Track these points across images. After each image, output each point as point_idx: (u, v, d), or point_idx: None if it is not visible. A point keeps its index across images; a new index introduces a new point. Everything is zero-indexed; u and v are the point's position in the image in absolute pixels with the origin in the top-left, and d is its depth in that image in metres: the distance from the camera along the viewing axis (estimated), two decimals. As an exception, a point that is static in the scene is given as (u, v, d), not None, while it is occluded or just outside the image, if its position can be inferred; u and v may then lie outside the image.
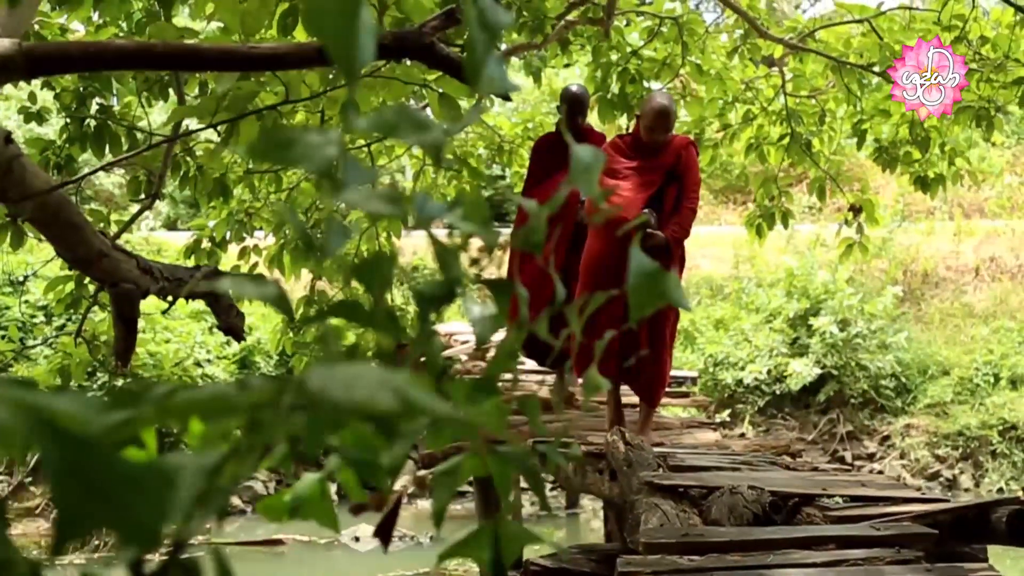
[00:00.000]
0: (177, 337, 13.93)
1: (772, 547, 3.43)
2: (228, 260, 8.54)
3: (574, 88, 6.60)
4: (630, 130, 6.18)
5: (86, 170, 5.65)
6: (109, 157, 5.56)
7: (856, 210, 8.10)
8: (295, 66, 3.51)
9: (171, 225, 19.88)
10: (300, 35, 4.52)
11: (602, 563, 3.33)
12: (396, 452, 0.73)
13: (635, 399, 5.90)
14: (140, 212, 6.51)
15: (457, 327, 11.51)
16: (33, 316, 13.55)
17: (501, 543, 0.88)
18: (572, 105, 6.37)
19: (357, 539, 12.22)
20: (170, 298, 5.15)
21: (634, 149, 5.69)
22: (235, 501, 13.59)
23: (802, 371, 14.48)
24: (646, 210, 5.49)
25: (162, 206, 19.55)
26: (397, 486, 14.28)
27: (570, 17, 7.41)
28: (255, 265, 8.06)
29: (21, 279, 13.67)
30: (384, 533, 1.00)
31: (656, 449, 4.64)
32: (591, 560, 3.51)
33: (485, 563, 0.88)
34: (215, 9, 4.16)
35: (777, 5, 23.86)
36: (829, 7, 8.00)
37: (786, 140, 8.24)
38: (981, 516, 3.93)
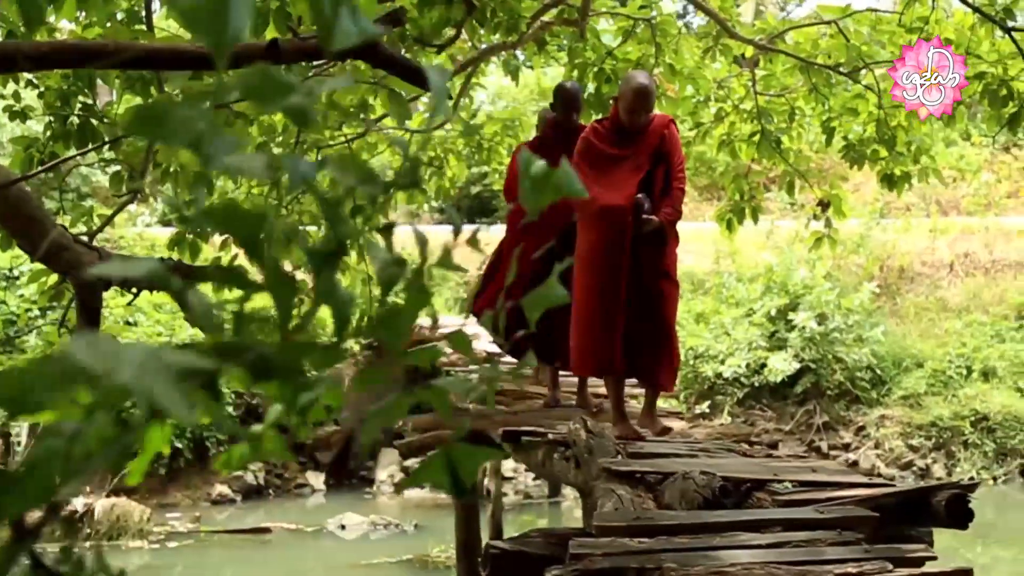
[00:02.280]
0: (150, 326, 14.18)
1: (720, 530, 3.61)
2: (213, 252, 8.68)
3: (569, 85, 6.56)
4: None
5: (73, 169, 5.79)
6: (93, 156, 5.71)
7: (824, 205, 8.31)
8: (248, 63, 3.57)
9: (167, 222, 19.97)
10: (271, 34, 4.65)
11: (560, 546, 3.51)
12: (310, 397, 0.77)
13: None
14: (121, 207, 6.66)
15: (440, 320, 11.65)
16: (28, 310, 13.72)
17: (457, 464, 0.90)
18: (568, 102, 6.30)
19: (343, 527, 12.43)
20: (134, 290, 5.31)
21: (616, 133, 5.47)
22: (225, 490, 13.77)
23: (780, 364, 14.73)
24: (639, 195, 5.33)
25: (157, 203, 19.62)
26: (383, 476, 14.23)
27: (545, 18, 7.58)
28: (236, 256, 8.18)
29: (15, 275, 13.86)
30: (336, 471, 1.09)
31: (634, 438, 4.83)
32: (550, 543, 3.69)
33: (445, 486, 0.92)
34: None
35: (764, 7, 24.06)
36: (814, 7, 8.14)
37: (757, 137, 8.44)
38: (922, 500, 4.11)
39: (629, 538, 3.43)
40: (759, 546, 3.52)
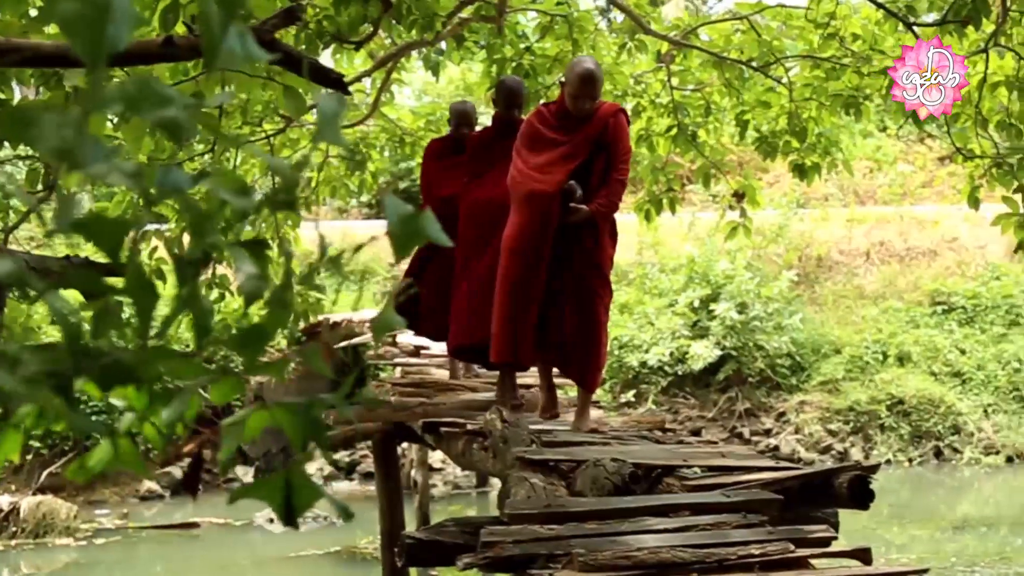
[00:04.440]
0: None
1: (629, 515, 3.71)
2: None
3: (510, 80, 6.52)
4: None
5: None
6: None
7: (739, 196, 8.50)
8: (140, 62, 3.52)
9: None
10: (181, 29, 4.63)
11: (474, 534, 3.57)
12: (174, 410, 0.80)
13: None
14: (37, 204, 6.57)
15: (370, 314, 11.68)
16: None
17: (293, 491, 0.92)
18: (509, 97, 6.19)
19: (272, 520, 12.42)
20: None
21: (559, 118, 5.29)
22: (153, 486, 13.67)
23: (703, 352, 15.00)
24: (570, 182, 5.16)
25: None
26: (311, 470, 14.18)
27: (464, 14, 7.64)
28: (155, 249, 8.05)
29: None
30: (190, 484, 1.12)
31: (533, 427, 4.91)
32: (465, 532, 3.75)
33: (277, 507, 0.95)
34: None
35: (690, 3, 24.32)
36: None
37: (673, 131, 8.60)
38: (826, 482, 4.25)
39: (540, 525, 3.51)
40: (666, 530, 3.61)
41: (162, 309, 0.80)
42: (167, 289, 0.86)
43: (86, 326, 0.76)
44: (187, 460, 13.26)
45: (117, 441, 0.89)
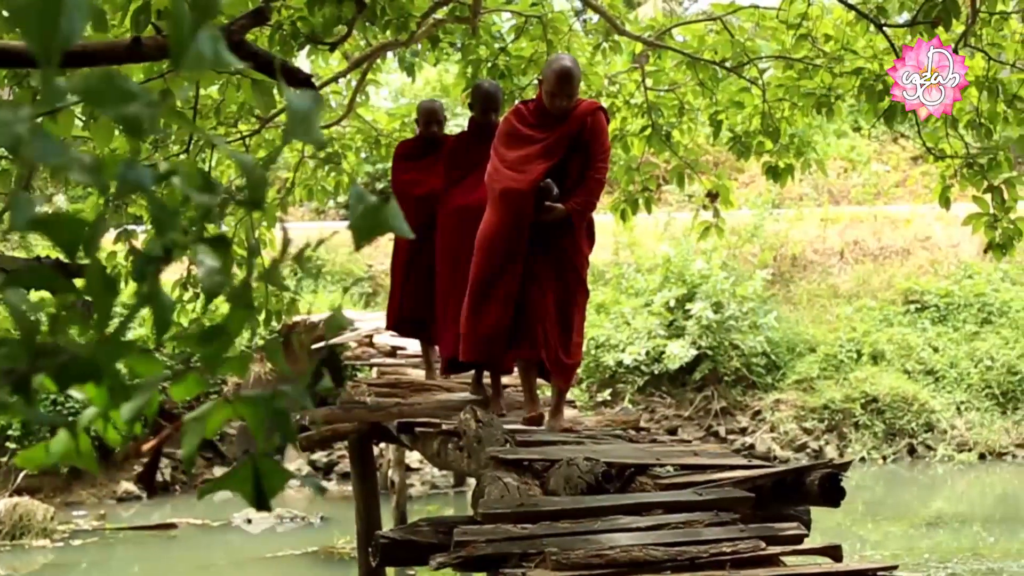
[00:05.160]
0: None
1: (601, 514, 3.73)
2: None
3: (487, 84, 6.49)
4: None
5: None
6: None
7: (713, 196, 8.54)
8: (108, 62, 3.50)
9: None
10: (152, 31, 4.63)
11: (448, 534, 3.58)
12: (134, 406, 0.80)
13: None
14: (8, 205, 6.52)
15: (349, 315, 11.69)
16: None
17: (263, 478, 0.92)
18: (485, 102, 6.15)
19: (249, 521, 12.43)
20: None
21: (536, 116, 5.24)
22: (130, 487, 13.63)
23: (679, 352, 15.07)
24: (546, 180, 5.12)
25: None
26: (295, 465, 14.15)
27: (438, 15, 7.64)
28: (132, 250, 8.07)
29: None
30: (146, 481, 1.10)
31: (507, 426, 4.92)
32: (438, 532, 3.77)
33: (248, 495, 0.94)
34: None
35: (668, 4, 24.41)
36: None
37: (648, 131, 8.63)
38: (797, 480, 4.28)
39: (513, 524, 3.53)
40: (639, 528, 3.64)
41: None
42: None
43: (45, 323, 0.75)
44: (150, 456, 13.28)
45: (77, 436, 0.89)
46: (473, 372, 6.23)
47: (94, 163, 0.75)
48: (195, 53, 0.78)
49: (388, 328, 7.37)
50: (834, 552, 3.79)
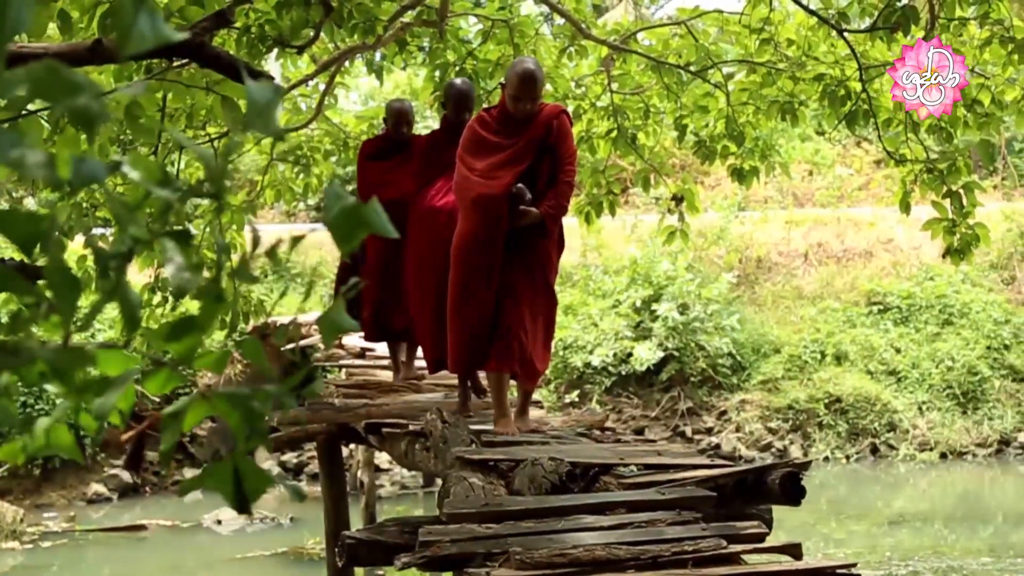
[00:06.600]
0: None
1: (565, 513, 3.78)
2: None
3: (460, 83, 6.40)
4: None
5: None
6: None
7: (678, 199, 8.62)
8: (68, 63, 3.50)
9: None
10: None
11: (413, 534, 3.62)
12: (106, 401, 0.81)
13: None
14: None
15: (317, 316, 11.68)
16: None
17: (243, 478, 0.93)
18: (458, 101, 6.09)
19: (219, 522, 12.42)
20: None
21: (501, 122, 5.17)
22: (100, 489, 13.56)
23: (646, 353, 15.17)
24: (518, 185, 5.06)
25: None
26: (266, 466, 14.18)
27: (405, 19, 7.67)
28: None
29: None
30: (132, 464, 1.09)
31: (474, 427, 4.96)
32: (404, 532, 3.80)
33: (228, 495, 0.94)
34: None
35: (638, 8, 24.52)
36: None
37: (613, 134, 8.70)
38: (759, 479, 4.35)
39: (477, 524, 3.58)
40: (602, 528, 3.70)
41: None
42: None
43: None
44: (130, 447, 13.28)
45: (51, 428, 0.90)
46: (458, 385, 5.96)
47: (48, 158, 0.75)
48: (137, 32, 0.78)
49: (366, 339, 7.34)
50: (794, 550, 3.86)
